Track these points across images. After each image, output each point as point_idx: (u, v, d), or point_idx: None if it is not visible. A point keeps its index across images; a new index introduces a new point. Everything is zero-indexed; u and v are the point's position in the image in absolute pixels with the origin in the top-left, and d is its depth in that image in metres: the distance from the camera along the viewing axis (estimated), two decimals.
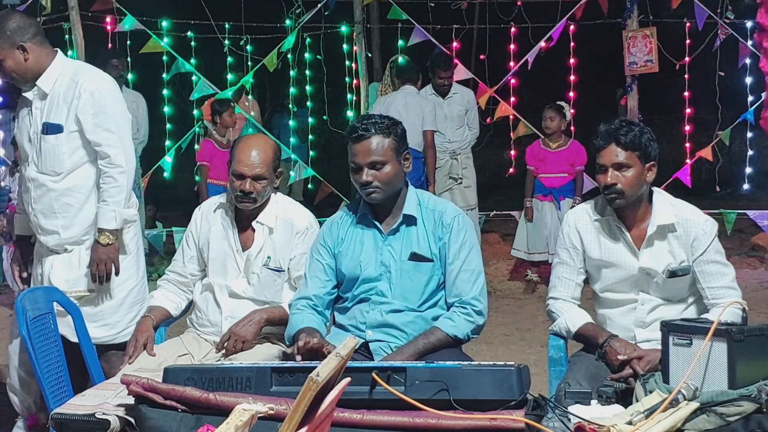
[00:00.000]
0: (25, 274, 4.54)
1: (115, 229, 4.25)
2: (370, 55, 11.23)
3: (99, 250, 4.25)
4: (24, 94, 4.39)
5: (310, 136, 12.27)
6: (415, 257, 3.79)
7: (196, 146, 10.74)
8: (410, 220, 3.82)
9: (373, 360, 3.69)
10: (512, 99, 9.95)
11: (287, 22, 11.21)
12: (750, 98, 9.92)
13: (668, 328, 3.28)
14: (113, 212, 4.23)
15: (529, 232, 8.97)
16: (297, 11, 10.91)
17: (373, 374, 3.05)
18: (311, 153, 12.26)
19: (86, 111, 4.23)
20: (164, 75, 10.24)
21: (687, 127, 10.06)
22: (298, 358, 3.55)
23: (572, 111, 10.00)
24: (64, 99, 4.26)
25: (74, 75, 4.29)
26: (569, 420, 3.00)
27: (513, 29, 10.44)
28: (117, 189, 4.24)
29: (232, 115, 9.08)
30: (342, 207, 4.10)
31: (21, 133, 4.43)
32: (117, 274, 4.31)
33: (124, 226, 4.31)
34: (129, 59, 9.63)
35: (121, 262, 4.33)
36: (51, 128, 4.26)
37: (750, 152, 10.80)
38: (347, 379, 2.41)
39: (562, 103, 8.97)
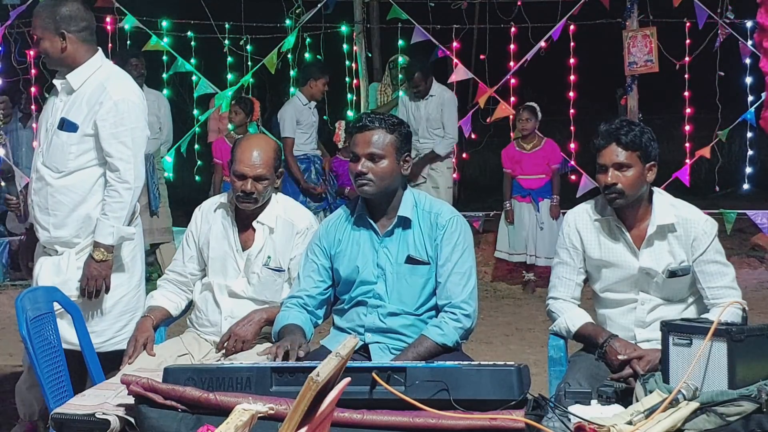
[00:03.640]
0: (31, 264, 4.49)
1: (110, 245, 4.19)
2: (370, 55, 11.24)
3: (92, 265, 4.18)
4: (55, 81, 4.35)
5: None
6: (411, 260, 3.79)
7: (197, 146, 10.75)
8: (405, 222, 3.81)
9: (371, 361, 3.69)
10: (512, 99, 9.95)
11: (287, 22, 11.22)
12: (750, 98, 9.92)
13: (668, 328, 3.28)
14: (112, 227, 4.16)
15: (510, 233, 9.05)
16: (297, 11, 10.91)
17: (373, 374, 3.04)
18: None
19: (106, 119, 4.17)
20: (164, 74, 10.25)
21: (687, 127, 10.06)
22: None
23: (572, 111, 10.03)
24: (87, 101, 4.21)
25: (105, 80, 4.24)
26: (569, 420, 3.00)
27: (513, 29, 10.44)
28: (120, 205, 4.18)
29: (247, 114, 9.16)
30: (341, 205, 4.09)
31: (41, 120, 4.39)
32: (107, 291, 4.24)
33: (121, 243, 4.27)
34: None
35: (114, 272, 4.26)
36: (67, 125, 4.21)
37: (750, 152, 10.80)
38: (347, 379, 2.41)
39: (534, 104, 9.06)
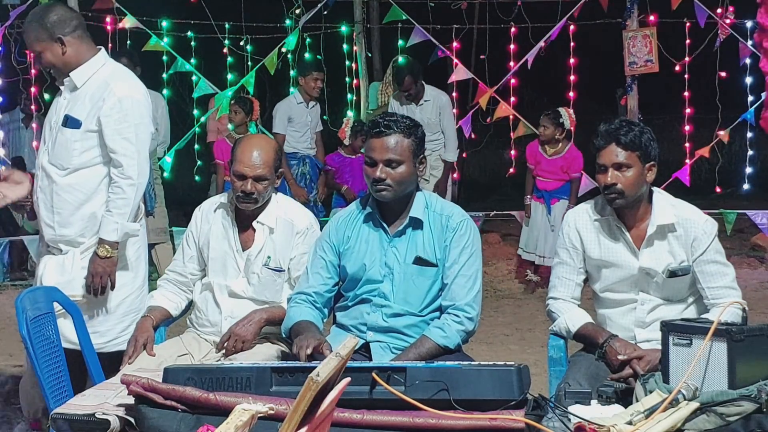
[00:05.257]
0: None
1: (115, 242, 4.20)
2: (370, 55, 11.24)
3: (96, 262, 4.20)
4: (58, 84, 4.38)
5: None
6: (419, 261, 3.78)
7: (197, 146, 10.74)
8: (417, 223, 3.80)
9: (372, 361, 3.69)
10: (512, 99, 9.95)
11: (287, 22, 11.22)
12: (750, 98, 9.92)
13: (668, 328, 3.28)
14: (116, 224, 4.18)
15: (528, 231, 9.01)
16: (297, 11, 10.91)
17: (373, 374, 3.04)
18: None
19: (110, 116, 4.20)
20: (164, 74, 10.24)
21: (687, 127, 10.06)
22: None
23: (572, 111, 10.00)
24: (91, 97, 4.24)
25: (109, 77, 4.27)
26: (569, 420, 3.00)
27: (513, 29, 10.44)
28: (124, 201, 4.20)
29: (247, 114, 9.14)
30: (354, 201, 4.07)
31: (47, 118, 4.42)
32: (113, 288, 4.26)
33: (126, 239, 4.28)
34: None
35: (119, 271, 4.28)
36: (70, 122, 4.24)
37: (750, 152, 10.81)
38: (347, 379, 2.41)
39: (561, 110, 8.88)
